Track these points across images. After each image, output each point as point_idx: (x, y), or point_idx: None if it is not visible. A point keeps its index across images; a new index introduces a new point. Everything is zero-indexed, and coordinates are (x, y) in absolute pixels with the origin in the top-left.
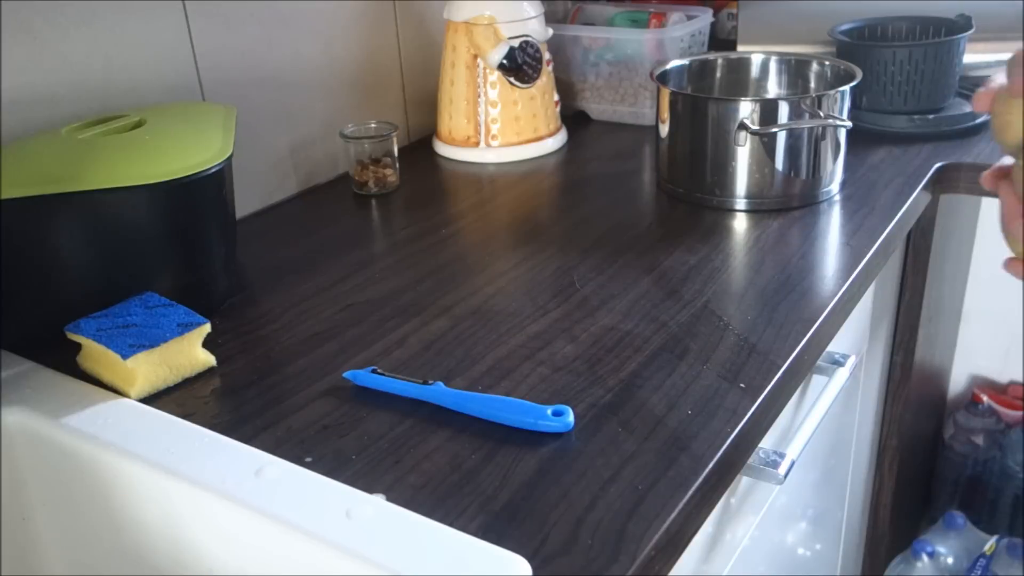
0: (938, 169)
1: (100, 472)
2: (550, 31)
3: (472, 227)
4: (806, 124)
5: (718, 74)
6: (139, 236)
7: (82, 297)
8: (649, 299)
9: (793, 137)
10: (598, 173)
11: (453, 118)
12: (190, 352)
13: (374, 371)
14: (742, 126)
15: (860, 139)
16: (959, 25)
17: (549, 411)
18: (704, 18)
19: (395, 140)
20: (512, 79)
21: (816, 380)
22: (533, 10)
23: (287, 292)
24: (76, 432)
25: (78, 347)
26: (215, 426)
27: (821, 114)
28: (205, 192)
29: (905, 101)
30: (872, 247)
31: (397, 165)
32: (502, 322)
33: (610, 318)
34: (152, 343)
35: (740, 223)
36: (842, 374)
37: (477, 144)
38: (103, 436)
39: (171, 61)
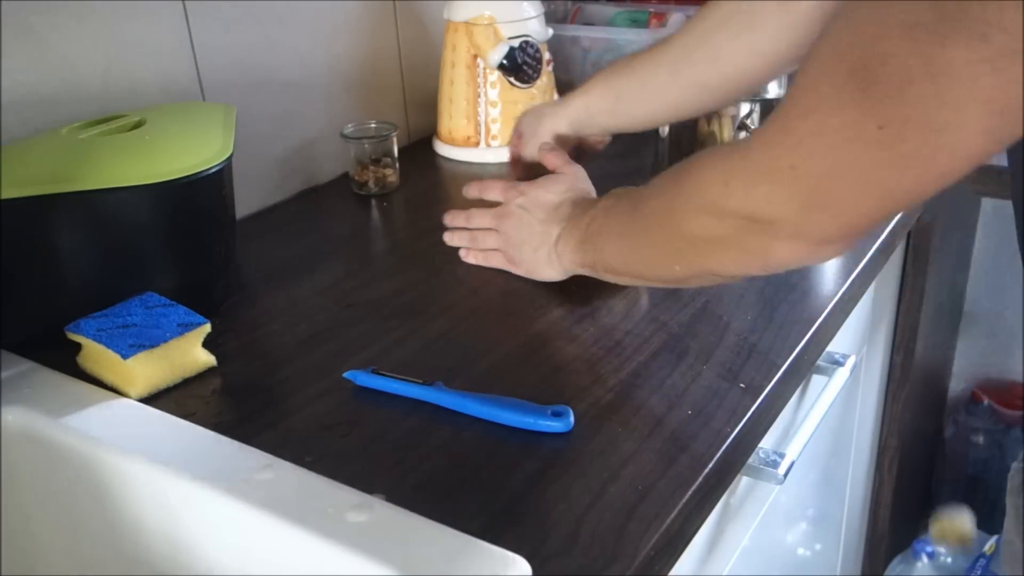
0: None
1: (100, 472)
2: (550, 31)
3: None
4: None
5: None
6: (139, 236)
7: (82, 297)
8: (649, 299)
9: None
10: (598, 173)
11: (453, 118)
12: (190, 352)
13: (374, 371)
14: (742, 126)
15: None
16: None
17: (549, 411)
18: None
19: (395, 140)
20: (512, 79)
21: (816, 380)
22: (533, 10)
23: (287, 292)
24: (76, 432)
25: (78, 347)
26: (215, 426)
27: None
28: (205, 192)
29: None
30: (872, 246)
31: (397, 165)
32: (502, 322)
33: (610, 318)
34: (152, 343)
35: None
36: (842, 374)
37: (477, 144)
38: (103, 436)
39: (171, 61)
